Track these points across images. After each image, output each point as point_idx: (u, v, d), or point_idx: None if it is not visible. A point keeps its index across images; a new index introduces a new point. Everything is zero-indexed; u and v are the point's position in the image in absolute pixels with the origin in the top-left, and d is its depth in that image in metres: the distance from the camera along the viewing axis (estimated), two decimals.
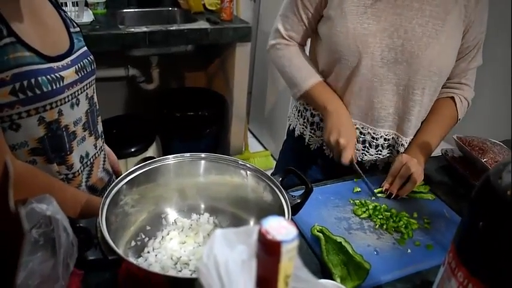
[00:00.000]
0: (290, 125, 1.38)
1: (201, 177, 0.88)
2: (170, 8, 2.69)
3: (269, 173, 0.85)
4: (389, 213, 1.01)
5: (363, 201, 1.04)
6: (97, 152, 0.99)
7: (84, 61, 0.91)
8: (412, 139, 1.19)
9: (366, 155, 1.21)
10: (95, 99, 0.99)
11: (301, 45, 1.24)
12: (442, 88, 1.18)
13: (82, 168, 0.94)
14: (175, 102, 2.64)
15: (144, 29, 2.15)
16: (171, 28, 2.22)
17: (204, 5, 2.59)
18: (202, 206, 0.90)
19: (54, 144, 0.85)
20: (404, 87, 1.10)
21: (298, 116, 1.31)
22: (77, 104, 0.89)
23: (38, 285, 0.56)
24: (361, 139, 1.19)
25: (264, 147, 3.20)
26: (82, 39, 0.95)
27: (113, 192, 0.75)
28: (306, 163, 1.31)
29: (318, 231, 0.90)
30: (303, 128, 1.29)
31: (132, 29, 2.14)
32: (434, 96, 1.16)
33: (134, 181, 0.80)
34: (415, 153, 1.12)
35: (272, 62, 1.28)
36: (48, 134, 0.83)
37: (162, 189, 0.86)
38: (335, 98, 1.16)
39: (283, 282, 0.37)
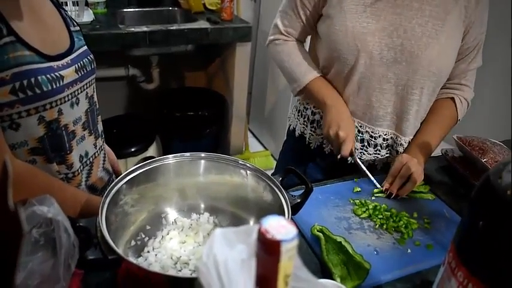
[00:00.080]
0: (290, 125, 1.38)
1: (201, 176, 0.88)
2: (170, 8, 2.69)
3: (269, 173, 0.85)
4: (389, 213, 1.00)
5: (363, 201, 1.04)
6: (97, 152, 0.99)
7: (84, 60, 0.91)
8: (412, 139, 1.19)
9: (364, 154, 1.21)
10: (95, 99, 0.99)
11: (300, 41, 1.25)
12: (442, 89, 1.18)
13: (82, 167, 0.94)
14: (175, 102, 2.64)
15: (144, 28, 2.15)
16: (172, 28, 2.22)
17: (204, 4, 2.59)
18: (202, 205, 0.90)
19: (53, 144, 0.85)
20: (403, 87, 1.10)
21: (299, 115, 1.31)
22: (77, 103, 0.89)
23: (38, 285, 0.56)
24: (359, 138, 1.19)
25: (264, 147, 3.20)
26: (82, 38, 0.95)
27: (113, 191, 0.75)
28: (306, 163, 1.31)
29: (318, 230, 0.90)
30: (303, 127, 1.29)
31: (133, 29, 2.14)
32: (432, 96, 1.16)
33: (134, 181, 0.80)
34: (415, 153, 1.12)
35: (271, 58, 1.29)
36: (48, 134, 0.83)
37: (162, 189, 0.86)
38: (334, 93, 1.16)
39: (282, 282, 0.37)
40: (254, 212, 0.86)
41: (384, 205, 1.03)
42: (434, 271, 0.64)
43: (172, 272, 0.74)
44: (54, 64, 0.82)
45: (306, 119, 1.28)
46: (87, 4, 2.26)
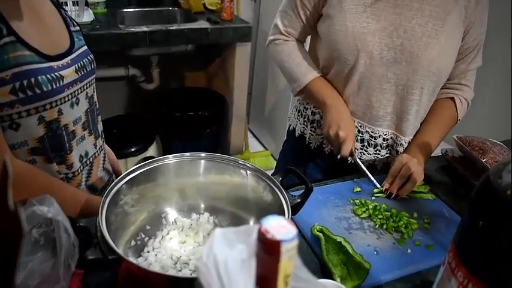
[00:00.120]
0: (290, 125, 1.38)
1: (201, 176, 0.88)
2: (170, 8, 2.69)
3: (269, 173, 0.85)
4: (389, 213, 1.00)
5: (363, 201, 1.04)
6: (97, 152, 0.99)
7: (84, 60, 0.91)
8: (412, 139, 1.19)
9: (364, 154, 1.21)
10: (95, 99, 0.99)
11: (300, 41, 1.25)
12: (442, 89, 1.18)
13: (82, 167, 0.94)
14: (175, 102, 2.64)
15: (144, 28, 2.15)
16: (172, 28, 2.22)
17: (204, 4, 2.59)
18: (202, 205, 0.90)
19: (53, 144, 0.85)
20: (403, 87, 1.10)
21: (299, 115, 1.31)
22: (77, 103, 0.89)
23: (38, 285, 0.56)
24: (359, 138, 1.19)
25: (264, 147, 3.20)
26: (82, 38, 0.95)
27: (113, 191, 0.75)
28: (306, 163, 1.31)
29: (318, 230, 0.90)
30: (303, 127, 1.29)
31: (133, 29, 2.14)
32: (432, 96, 1.16)
33: (134, 181, 0.80)
34: (415, 153, 1.12)
35: (271, 57, 1.29)
36: (48, 134, 0.83)
37: (162, 189, 0.86)
38: (334, 93, 1.16)
39: (282, 282, 0.37)
40: (254, 212, 0.86)
41: (384, 205, 1.03)
42: (434, 271, 0.64)
43: (172, 272, 0.74)
44: (54, 64, 0.82)
45: (306, 119, 1.28)
46: (87, 4, 2.26)
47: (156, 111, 2.63)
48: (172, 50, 2.50)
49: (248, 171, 0.85)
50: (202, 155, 0.87)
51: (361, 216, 1.00)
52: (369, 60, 1.07)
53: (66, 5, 2.06)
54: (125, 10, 2.54)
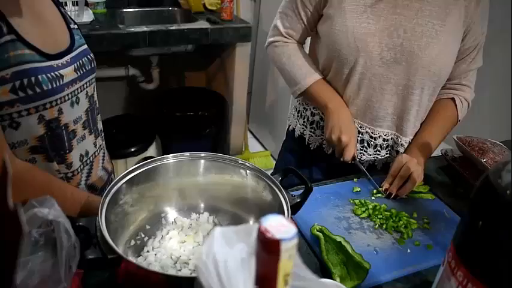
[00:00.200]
0: (290, 125, 1.38)
1: (201, 176, 0.88)
2: (170, 8, 2.69)
3: (269, 173, 0.85)
4: (389, 213, 1.00)
5: (363, 201, 1.04)
6: (96, 151, 0.99)
7: (83, 59, 0.91)
8: (412, 139, 1.19)
9: (364, 154, 1.21)
10: (95, 98, 0.99)
11: (300, 43, 1.24)
12: (442, 89, 1.18)
13: (82, 166, 0.94)
14: (175, 102, 2.64)
15: (144, 28, 2.15)
16: (171, 28, 2.22)
17: (204, 4, 2.59)
18: (202, 205, 0.90)
19: (53, 143, 0.85)
20: (403, 87, 1.10)
21: (298, 116, 1.31)
22: (77, 103, 0.89)
23: (38, 285, 0.56)
24: (359, 138, 1.19)
25: (264, 148, 3.20)
26: (82, 36, 0.95)
27: (113, 191, 0.75)
28: (306, 163, 1.31)
29: (317, 230, 0.90)
30: (303, 128, 1.29)
31: (132, 29, 2.14)
32: (433, 96, 1.16)
33: (134, 180, 0.80)
34: (415, 154, 1.12)
35: (271, 60, 1.28)
36: (48, 133, 0.83)
37: (162, 189, 0.86)
38: (336, 96, 1.16)
39: (282, 281, 0.37)
40: (254, 211, 0.86)
41: (383, 205, 1.03)
42: (434, 271, 0.64)
43: (172, 272, 0.74)
44: (54, 63, 0.82)
45: (305, 120, 1.28)
46: (86, 4, 2.26)
47: (155, 111, 2.63)
48: (172, 50, 2.49)
49: (248, 171, 0.85)
50: (202, 154, 0.87)
51: (361, 216, 1.00)
52: (369, 61, 1.07)
53: (66, 5, 2.06)
54: (124, 10, 2.54)
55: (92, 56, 0.96)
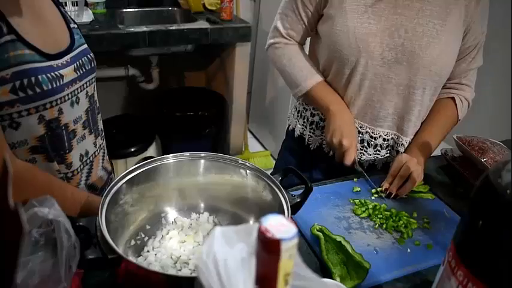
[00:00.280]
0: (289, 125, 1.38)
1: (201, 176, 0.88)
2: (170, 8, 2.69)
3: (269, 173, 0.85)
4: (389, 213, 1.00)
5: (363, 201, 1.04)
6: (96, 150, 0.99)
7: (83, 59, 0.91)
8: (412, 139, 1.19)
9: (364, 154, 1.21)
10: (95, 98, 0.98)
11: (301, 44, 1.24)
12: (442, 88, 1.18)
13: (82, 166, 0.94)
14: (175, 102, 2.64)
15: (144, 28, 2.15)
16: (171, 28, 2.22)
17: (204, 4, 2.59)
18: (202, 205, 0.90)
19: (54, 143, 0.85)
20: (404, 87, 1.10)
21: (298, 116, 1.31)
22: (77, 102, 0.89)
23: (38, 285, 0.56)
24: (359, 138, 1.19)
25: (264, 147, 3.20)
26: (81, 35, 0.95)
27: (113, 191, 0.75)
28: (305, 163, 1.31)
29: (317, 230, 0.90)
30: (302, 128, 1.29)
31: (132, 29, 2.14)
32: (434, 96, 1.16)
33: (134, 180, 0.80)
34: (414, 153, 1.12)
35: (271, 61, 1.27)
36: (48, 133, 0.83)
37: (162, 189, 0.86)
38: (337, 98, 1.15)
39: (283, 281, 0.37)
40: (254, 211, 0.86)
41: (383, 205, 1.03)
42: (434, 271, 0.64)
43: (172, 272, 0.74)
44: (54, 63, 0.82)
45: (305, 120, 1.28)
46: (86, 4, 2.26)
47: (155, 111, 2.63)
48: (172, 50, 2.49)
49: (248, 171, 0.85)
50: (202, 154, 0.87)
51: (361, 215, 1.00)
52: (370, 61, 1.07)
53: (66, 5, 2.06)
54: (124, 10, 2.54)
55: (92, 56, 0.96)
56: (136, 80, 2.67)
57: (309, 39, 1.27)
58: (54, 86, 0.80)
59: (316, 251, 0.88)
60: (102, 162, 1.03)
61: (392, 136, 1.19)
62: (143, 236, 0.82)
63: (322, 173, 1.27)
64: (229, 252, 0.39)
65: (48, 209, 0.57)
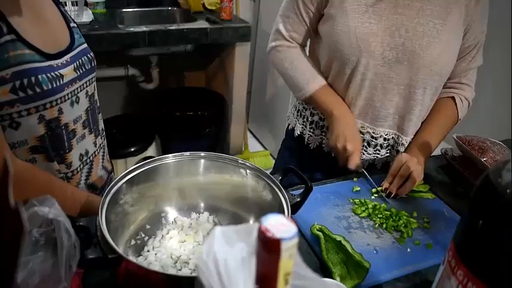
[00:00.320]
0: (289, 124, 1.38)
1: (201, 176, 0.88)
2: (170, 8, 2.69)
3: (268, 172, 0.85)
4: (389, 213, 1.00)
5: (363, 201, 1.04)
6: (97, 150, 0.99)
7: (83, 58, 0.91)
8: (412, 139, 1.19)
9: (364, 154, 1.21)
10: (96, 97, 0.98)
11: (302, 47, 1.23)
12: (442, 88, 1.18)
13: (81, 166, 0.94)
14: (174, 101, 2.64)
15: (143, 28, 2.15)
16: (171, 28, 2.22)
17: (203, 4, 2.59)
18: (202, 204, 0.90)
19: (54, 143, 0.85)
20: (405, 87, 1.10)
21: (298, 115, 1.31)
22: (77, 102, 0.89)
23: (38, 285, 0.56)
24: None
25: (264, 147, 3.20)
26: (81, 34, 0.95)
27: (113, 191, 0.75)
28: (305, 162, 1.31)
29: (317, 230, 0.90)
30: (302, 127, 1.29)
31: (132, 29, 2.14)
32: (435, 95, 1.16)
33: (134, 180, 0.80)
34: (415, 153, 1.12)
35: (272, 64, 1.26)
36: (48, 133, 0.83)
37: (162, 188, 0.86)
38: (341, 102, 1.15)
39: (283, 280, 0.37)
40: (254, 211, 0.86)
41: (383, 204, 1.03)
42: (434, 270, 0.64)
43: (172, 271, 0.74)
44: (54, 63, 0.82)
45: (305, 119, 1.28)
46: (86, 4, 2.26)
47: (155, 111, 2.63)
48: (172, 50, 2.49)
49: (248, 171, 0.85)
50: (202, 154, 0.87)
51: (361, 215, 1.00)
52: (371, 61, 1.07)
53: (65, 5, 2.06)
54: (124, 10, 2.54)
55: (92, 55, 0.96)
56: (136, 80, 2.67)
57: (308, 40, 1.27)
58: (54, 85, 0.80)
59: (316, 251, 0.88)
60: (102, 162, 1.03)
61: (393, 136, 1.19)
62: (143, 235, 0.82)
63: (322, 173, 1.27)
64: (229, 251, 0.39)
65: (48, 208, 0.57)
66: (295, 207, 0.81)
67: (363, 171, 1.12)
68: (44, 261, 0.57)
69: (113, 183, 0.75)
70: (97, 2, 2.32)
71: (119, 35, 2.09)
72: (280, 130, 2.78)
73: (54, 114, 0.83)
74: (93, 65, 0.95)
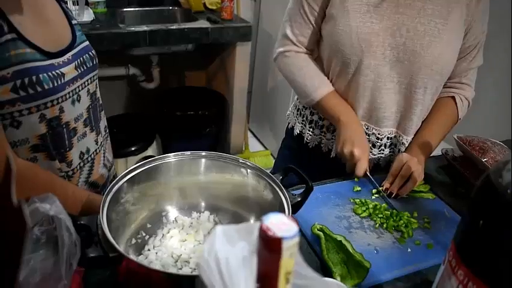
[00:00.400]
0: (289, 123, 1.38)
1: (202, 175, 0.88)
2: (171, 7, 2.69)
3: (268, 172, 0.85)
4: (389, 212, 1.01)
5: (363, 200, 1.04)
6: (98, 148, 0.99)
7: (84, 56, 0.91)
8: (413, 138, 1.19)
9: (369, 155, 1.20)
10: (98, 95, 0.98)
11: (310, 51, 1.22)
12: (442, 88, 1.18)
13: (82, 164, 0.94)
14: (175, 101, 2.64)
15: (144, 28, 2.15)
16: (172, 27, 2.22)
17: (204, 4, 2.59)
18: (203, 204, 0.90)
19: (55, 141, 0.85)
20: (406, 86, 1.10)
21: (298, 114, 1.31)
22: (78, 100, 0.89)
23: (39, 283, 0.56)
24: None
25: (264, 147, 3.20)
26: (82, 32, 0.95)
27: (114, 190, 0.75)
28: (303, 161, 1.30)
29: (318, 229, 0.90)
30: (302, 126, 1.29)
31: (133, 28, 2.14)
32: (435, 95, 1.16)
33: (135, 179, 0.80)
34: (415, 153, 1.12)
35: (279, 70, 1.25)
36: (49, 131, 0.83)
37: (163, 187, 0.86)
38: (348, 109, 1.15)
39: (284, 279, 0.37)
40: (254, 210, 0.86)
41: (384, 204, 1.03)
42: (435, 270, 0.64)
43: (172, 270, 0.74)
44: (55, 61, 0.82)
45: (304, 118, 1.28)
46: (87, 3, 2.26)
47: (156, 110, 2.63)
48: (173, 49, 2.49)
49: (248, 170, 0.85)
50: (203, 153, 0.87)
51: (361, 215, 1.00)
52: (373, 61, 1.07)
53: (66, 4, 2.05)
54: (125, 9, 2.54)
55: (94, 53, 0.96)
56: (137, 79, 2.67)
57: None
58: (55, 84, 0.80)
59: (316, 251, 0.88)
60: (103, 160, 1.03)
61: (395, 134, 1.19)
62: (144, 234, 0.82)
63: (320, 172, 1.26)
64: (230, 250, 0.39)
65: (49, 205, 0.58)
66: (295, 207, 0.81)
67: (374, 183, 1.11)
68: (45, 260, 0.57)
69: (114, 182, 0.76)
70: (98, 1, 2.32)
71: (120, 34, 2.09)
72: (280, 130, 2.77)
73: (55, 112, 0.83)
74: (94, 62, 0.95)
